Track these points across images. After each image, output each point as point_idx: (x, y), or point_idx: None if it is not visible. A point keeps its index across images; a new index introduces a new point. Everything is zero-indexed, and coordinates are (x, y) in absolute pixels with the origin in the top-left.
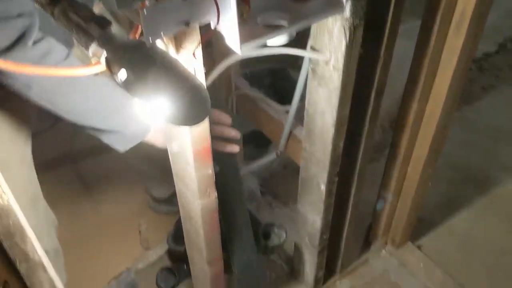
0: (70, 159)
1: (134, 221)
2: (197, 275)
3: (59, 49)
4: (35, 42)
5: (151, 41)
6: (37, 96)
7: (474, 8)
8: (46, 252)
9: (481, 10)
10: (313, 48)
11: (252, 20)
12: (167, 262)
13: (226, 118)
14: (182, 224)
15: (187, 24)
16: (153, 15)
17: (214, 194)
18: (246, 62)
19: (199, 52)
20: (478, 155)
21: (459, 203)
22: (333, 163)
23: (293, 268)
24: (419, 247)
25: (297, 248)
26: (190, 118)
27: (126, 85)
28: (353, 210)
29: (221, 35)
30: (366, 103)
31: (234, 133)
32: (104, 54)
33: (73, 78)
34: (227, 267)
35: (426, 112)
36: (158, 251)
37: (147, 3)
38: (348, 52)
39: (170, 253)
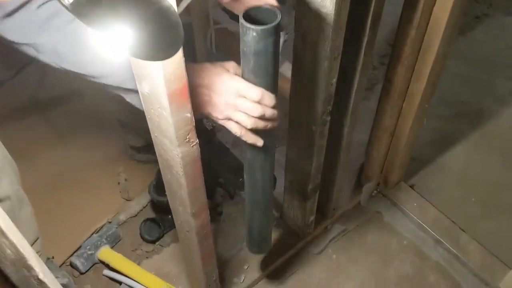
0: (38, 107)
1: (113, 171)
2: (181, 227)
3: (65, 12)
4: (39, 6)
5: None
6: (48, 58)
7: None
8: (6, 198)
9: None
10: None
11: None
12: (150, 213)
13: (271, 99)
14: (162, 175)
15: None
16: None
17: (195, 141)
18: None
19: None
20: (471, 89)
21: (452, 140)
22: (325, 101)
23: (283, 213)
24: (412, 186)
25: (287, 193)
26: (160, 50)
27: (75, 9)
28: (345, 152)
29: None
30: (360, 33)
31: (277, 118)
32: None
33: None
34: (214, 215)
35: (425, 40)
36: (140, 202)
37: None
38: None
39: (153, 204)
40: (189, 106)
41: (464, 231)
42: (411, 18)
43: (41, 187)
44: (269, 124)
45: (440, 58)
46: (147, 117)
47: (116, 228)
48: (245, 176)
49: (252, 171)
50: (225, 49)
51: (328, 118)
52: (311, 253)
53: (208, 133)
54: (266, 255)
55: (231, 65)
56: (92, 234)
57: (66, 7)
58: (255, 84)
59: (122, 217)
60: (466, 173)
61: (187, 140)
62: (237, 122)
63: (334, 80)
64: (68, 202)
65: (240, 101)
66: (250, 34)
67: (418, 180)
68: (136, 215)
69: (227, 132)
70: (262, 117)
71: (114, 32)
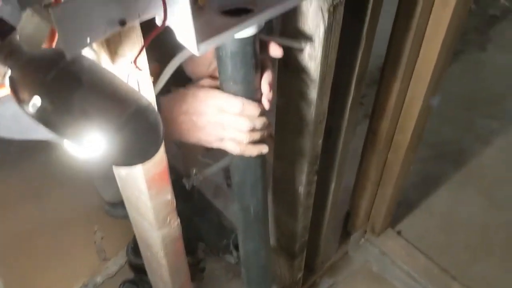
0: (9, 159)
1: (88, 228)
2: None
3: None
4: None
5: (72, 52)
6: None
7: None
8: None
9: None
10: (283, 34)
11: (210, 6)
12: (128, 273)
13: (254, 108)
14: (140, 250)
15: (122, 23)
16: (70, 14)
17: (176, 221)
18: None
19: (143, 58)
20: (451, 127)
21: (436, 181)
22: (311, 163)
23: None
24: (399, 233)
25: (273, 251)
26: (137, 155)
27: (42, 117)
28: (332, 207)
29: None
30: (345, 92)
31: (268, 125)
32: (8, 72)
33: None
34: (195, 272)
35: (409, 92)
36: (117, 261)
37: None
38: (327, 38)
39: (131, 264)
40: (169, 188)
41: (455, 278)
42: (395, 71)
43: (12, 247)
44: (265, 132)
45: (425, 110)
46: (123, 196)
47: None
48: (236, 206)
49: (242, 195)
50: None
51: (315, 178)
52: None
53: (188, 192)
54: None
55: (205, 80)
56: None
57: (31, 115)
58: (236, 93)
59: (99, 279)
60: (452, 215)
61: (168, 221)
62: (232, 140)
63: (320, 141)
64: (40, 263)
65: (224, 117)
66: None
67: (405, 225)
68: (113, 276)
69: (207, 184)
70: (253, 129)
71: (85, 141)
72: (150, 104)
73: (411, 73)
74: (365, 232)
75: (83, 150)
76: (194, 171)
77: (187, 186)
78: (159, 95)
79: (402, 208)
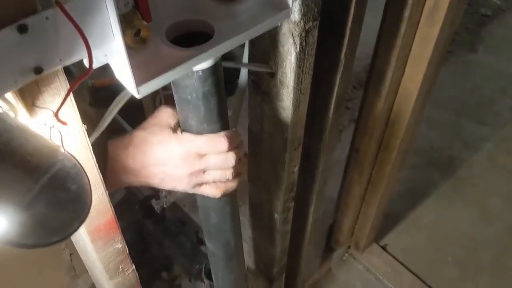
0: None
1: (55, 245)
2: None
3: None
4: None
5: None
6: None
7: None
8: None
9: None
10: (252, 56)
11: (157, 37)
12: None
13: (237, 136)
14: None
15: (38, 71)
16: None
17: (130, 268)
18: None
19: (69, 107)
20: (440, 133)
21: (424, 191)
22: (287, 190)
23: None
24: (384, 247)
25: (250, 273)
26: (52, 233)
27: None
28: (312, 227)
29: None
30: (324, 116)
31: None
32: None
33: None
34: None
35: (394, 110)
36: (88, 280)
37: None
38: (299, 64)
39: None
40: (119, 237)
41: None
42: (378, 90)
43: None
44: (245, 159)
45: (411, 127)
46: (72, 239)
47: None
48: (212, 242)
49: (222, 231)
50: None
51: (292, 204)
52: None
53: (159, 215)
54: None
55: (166, 114)
56: None
57: None
58: (209, 132)
59: None
60: (440, 229)
61: (120, 270)
62: (214, 181)
63: (296, 168)
64: (6, 281)
65: (207, 161)
66: (194, 76)
67: (391, 239)
68: None
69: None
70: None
71: None
72: (74, 165)
73: (395, 92)
74: (349, 247)
75: None
76: (164, 193)
77: (156, 209)
78: (104, 140)
79: (388, 220)
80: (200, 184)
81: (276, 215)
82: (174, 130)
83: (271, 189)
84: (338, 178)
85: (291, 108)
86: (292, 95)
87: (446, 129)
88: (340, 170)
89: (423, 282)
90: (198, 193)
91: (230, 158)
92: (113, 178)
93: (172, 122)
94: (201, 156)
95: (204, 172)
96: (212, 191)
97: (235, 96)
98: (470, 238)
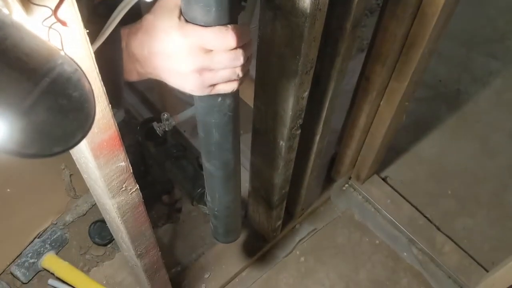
0: None
1: (55, 165)
2: (128, 258)
3: None
4: None
5: None
6: None
7: None
8: None
9: None
10: None
11: None
12: (100, 212)
13: (247, 31)
14: (101, 212)
15: None
16: None
17: (134, 187)
18: None
19: (69, 6)
20: (449, 66)
21: (428, 125)
22: (294, 117)
23: (248, 214)
24: (385, 179)
25: (252, 198)
26: (54, 143)
27: None
28: (316, 158)
29: None
30: (338, 38)
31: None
32: None
33: None
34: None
35: (409, 36)
36: (88, 199)
37: None
38: None
39: None
40: (122, 155)
41: (439, 229)
42: (396, 14)
43: None
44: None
45: (426, 56)
46: (73, 156)
47: (62, 230)
48: (212, 162)
49: (223, 150)
50: None
51: (298, 132)
52: (278, 256)
53: (160, 137)
54: (230, 260)
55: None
56: (34, 239)
57: None
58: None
59: (69, 218)
60: (442, 162)
61: (124, 189)
62: (225, 81)
63: (306, 93)
64: (5, 202)
65: (213, 59)
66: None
67: (392, 171)
68: (84, 215)
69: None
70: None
71: None
72: (76, 71)
73: (413, 17)
74: (350, 178)
75: None
76: (166, 115)
77: (157, 132)
78: (120, 27)
79: (391, 152)
80: (212, 85)
81: (281, 142)
82: (180, 17)
83: (278, 115)
84: (343, 109)
85: (306, 25)
86: (308, 10)
87: (455, 62)
88: (345, 100)
89: (421, 213)
90: (212, 93)
91: (239, 56)
92: (126, 67)
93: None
94: (207, 51)
95: (211, 70)
96: (227, 89)
97: (246, 11)
98: (471, 173)
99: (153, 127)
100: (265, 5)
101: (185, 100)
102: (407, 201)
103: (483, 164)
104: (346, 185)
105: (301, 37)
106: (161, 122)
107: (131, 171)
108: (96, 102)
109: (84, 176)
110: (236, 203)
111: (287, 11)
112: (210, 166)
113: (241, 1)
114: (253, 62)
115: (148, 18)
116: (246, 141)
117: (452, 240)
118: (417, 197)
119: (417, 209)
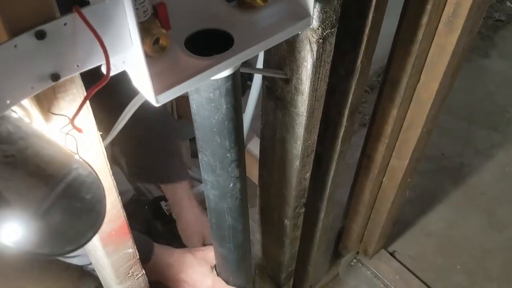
0: None
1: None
2: None
3: None
4: None
5: None
6: None
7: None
8: None
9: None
10: (267, 62)
11: (176, 46)
12: None
13: None
14: None
15: (55, 78)
16: None
17: (140, 273)
18: None
19: (85, 114)
20: (451, 140)
21: (434, 198)
22: (298, 196)
23: None
24: (393, 254)
25: (258, 276)
26: (67, 242)
27: None
28: (322, 235)
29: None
30: (337, 123)
31: None
32: None
33: None
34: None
35: (407, 117)
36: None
37: None
38: (315, 71)
39: None
40: (130, 242)
41: None
42: (393, 97)
43: None
44: None
45: (425, 135)
46: None
47: None
48: (225, 246)
49: (236, 232)
50: (188, 116)
51: (302, 210)
52: None
53: (167, 216)
54: None
55: (209, 255)
56: None
57: None
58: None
59: None
60: (449, 236)
61: (130, 274)
62: None
63: (308, 174)
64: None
65: None
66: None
67: (400, 246)
68: None
69: None
70: None
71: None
72: (90, 174)
73: (410, 99)
74: (357, 253)
75: None
76: None
77: (165, 210)
78: (151, 243)
79: (397, 226)
80: None
81: (286, 221)
82: (213, 268)
83: (282, 195)
84: (347, 182)
85: (305, 114)
86: (307, 102)
87: (457, 135)
88: (349, 174)
89: None
90: None
91: None
92: (149, 270)
93: (214, 262)
94: None
95: None
96: None
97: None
98: (479, 246)
99: (161, 206)
100: (266, 95)
101: (193, 176)
102: (416, 276)
103: (492, 237)
104: (354, 260)
105: (301, 125)
106: (168, 201)
107: (138, 256)
108: (107, 195)
109: (92, 261)
110: (249, 282)
111: (287, 102)
112: (224, 251)
113: (247, 81)
114: (257, 143)
115: (189, 258)
116: (253, 216)
117: None
118: (426, 272)
119: (426, 284)
